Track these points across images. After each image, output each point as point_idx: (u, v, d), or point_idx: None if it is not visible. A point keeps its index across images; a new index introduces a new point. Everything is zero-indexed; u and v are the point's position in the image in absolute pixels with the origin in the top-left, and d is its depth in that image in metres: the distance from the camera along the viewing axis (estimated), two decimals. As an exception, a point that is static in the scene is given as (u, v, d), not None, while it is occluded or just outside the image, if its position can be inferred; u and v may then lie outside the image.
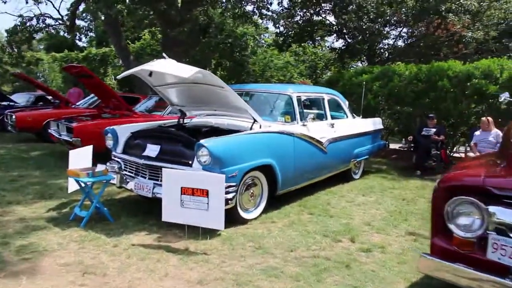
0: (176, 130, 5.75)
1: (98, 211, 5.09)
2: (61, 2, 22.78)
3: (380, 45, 21.10)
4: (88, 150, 5.82)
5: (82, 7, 21.08)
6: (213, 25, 17.70)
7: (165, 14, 15.63)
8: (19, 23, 20.50)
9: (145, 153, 5.20)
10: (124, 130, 5.81)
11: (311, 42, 23.56)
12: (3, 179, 7.10)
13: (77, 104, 12.74)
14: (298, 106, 6.19)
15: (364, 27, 19.20)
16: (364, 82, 9.89)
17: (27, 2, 21.83)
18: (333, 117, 7.15)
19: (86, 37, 26.27)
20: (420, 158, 9.12)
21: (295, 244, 4.54)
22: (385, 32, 20.61)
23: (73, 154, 5.47)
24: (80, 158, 5.62)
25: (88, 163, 5.76)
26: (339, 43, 21.83)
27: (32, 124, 11.27)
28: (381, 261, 4.21)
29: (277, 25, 18.13)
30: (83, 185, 5.10)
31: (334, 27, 20.97)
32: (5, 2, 19.57)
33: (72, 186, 5.53)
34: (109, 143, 5.78)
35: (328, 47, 25.29)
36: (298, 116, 6.14)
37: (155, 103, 10.54)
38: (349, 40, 20.84)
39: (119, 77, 5.65)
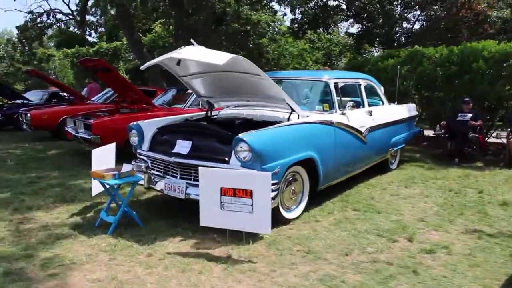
0: (207, 123, 5.28)
1: (126, 215, 4.65)
2: (70, -3, 22.10)
3: (398, 29, 20.42)
4: (111, 149, 5.39)
5: (91, 1, 20.73)
6: (229, 13, 17.12)
7: (179, 2, 15.21)
8: (29, 20, 20.22)
9: (175, 150, 4.74)
10: (150, 126, 5.35)
11: (325, 29, 22.82)
12: (21, 181, 6.72)
13: (92, 99, 12.34)
14: (335, 93, 5.68)
15: (381, 10, 18.57)
16: (398, 67, 9.31)
17: (36, -2, 21.63)
18: (369, 104, 6.63)
19: (96, 32, 25.86)
20: (458, 145, 8.55)
21: (348, 247, 4.07)
22: (405, 15, 19.95)
23: (96, 153, 5.03)
24: (103, 157, 5.20)
25: (112, 162, 5.34)
26: (354, 29, 20.98)
27: (48, 122, 10.90)
28: (450, 264, 3.71)
29: (293, 11, 17.55)
30: (108, 187, 4.67)
31: (351, 12, 20.30)
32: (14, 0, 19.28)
33: (96, 188, 5.11)
34: (134, 140, 5.33)
35: (344, 33, 24.65)
36: (336, 104, 5.63)
37: (172, 96, 10.10)
38: (367, 25, 20.19)
39: (142, 67, 5.17)
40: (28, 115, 10.70)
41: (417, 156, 9.15)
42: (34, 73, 11.49)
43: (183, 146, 4.72)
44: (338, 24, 23.75)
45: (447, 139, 9.09)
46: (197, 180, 4.44)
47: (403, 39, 20.18)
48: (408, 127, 7.90)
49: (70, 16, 21.97)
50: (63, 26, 22.73)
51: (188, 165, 4.56)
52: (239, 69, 4.77)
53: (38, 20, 20.08)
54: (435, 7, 18.54)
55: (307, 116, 5.18)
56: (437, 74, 9.99)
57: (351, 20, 21.26)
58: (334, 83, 5.76)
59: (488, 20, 17.80)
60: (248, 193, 3.77)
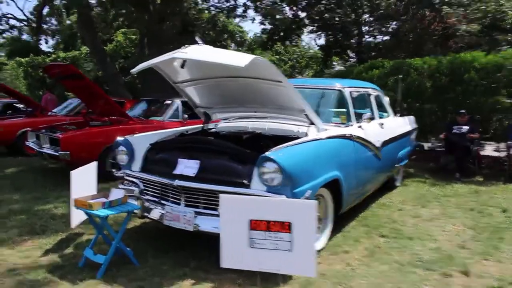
0: (216, 138, 4.47)
1: (116, 251, 3.77)
2: (25, 2, 20.71)
3: (369, 40, 20.30)
4: (92, 169, 4.50)
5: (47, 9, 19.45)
6: (203, 20, 16.29)
7: (147, 7, 14.31)
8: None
9: (177, 171, 3.90)
10: (141, 141, 4.48)
11: (293, 40, 22.23)
12: (-23, 207, 5.65)
13: (53, 111, 11.18)
14: (351, 104, 5.03)
15: (351, 20, 18.38)
16: (400, 77, 8.82)
17: (-13, 3, 20.06)
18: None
19: (53, 39, 24.38)
20: (459, 159, 8.10)
21: (398, 285, 3.37)
22: (374, 27, 19.85)
23: (76, 175, 4.12)
24: (84, 179, 4.30)
25: (93, 185, 4.47)
26: (322, 40, 20.69)
27: (4, 136, 9.69)
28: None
29: (265, 21, 16.96)
30: (96, 219, 3.78)
31: (322, 22, 19.96)
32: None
33: (77, 218, 4.20)
34: (122, 158, 4.43)
35: (308, 45, 24.40)
36: (353, 116, 4.97)
37: (147, 108, 9.18)
38: (336, 36, 19.94)
39: (134, 70, 4.33)
40: (-19, 128, 9.47)
41: (411, 171, 8.64)
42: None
43: (188, 166, 3.89)
44: (306, 36, 23.51)
45: (444, 153, 8.65)
46: (208, 208, 3.69)
47: (371, 51, 20.05)
48: (410, 140, 7.37)
49: (25, 23, 20.54)
50: (16, 33, 21.20)
51: (196, 190, 3.75)
52: (255, 74, 4.02)
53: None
54: (405, 19, 18.50)
55: (326, 130, 4.48)
56: (426, 85, 9.62)
57: (319, 32, 21.01)
58: (349, 92, 5.11)
59: (457, 33, 17.93)
60: (286, 226, 3.00)
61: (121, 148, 4.39)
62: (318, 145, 4.05)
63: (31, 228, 4.76)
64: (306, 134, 4.34)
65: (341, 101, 5.05)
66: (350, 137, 4.62)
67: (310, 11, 19.55)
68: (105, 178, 7.03)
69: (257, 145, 4.23)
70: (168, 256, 3.91)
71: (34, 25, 20.49)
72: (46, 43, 25.93)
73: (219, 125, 5.28)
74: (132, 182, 4.33)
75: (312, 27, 21.33)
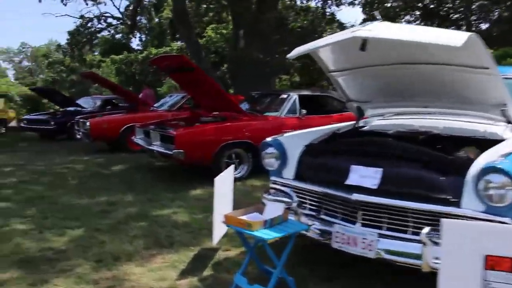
0: (405, 141, 3.53)
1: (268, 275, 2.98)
2: (121, 1, 21.16)
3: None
4: (229, 174, 3.78)
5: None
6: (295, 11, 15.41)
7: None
8: (80, 24, 19.29)
9: (351, 181, 3.01)
10: (293, 142, 3.65)
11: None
12: (91, 209, 5.19)
13: (155, 106, 10.88)
14: None
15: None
16: None
17: (87, 4, 20.70)
18: None
19: (147, 36, 24.81)
20: None
21: None
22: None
23: (219, 182, 3.40)
24: (223, 186, 3.58)
25: (230, 192, 3.73)
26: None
27: (108, 132, 9.49)
28: None
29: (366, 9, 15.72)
30: (250, 238, 3.01)
31: (423, 10, 18.34)
32: (65, 4, 18.39)
33: (219, 234, 3.48)
34: (271, 162, 3.63)
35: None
36: None
37: (260, 102, 8.44)
38: (441, 26, 18.20)
39: (290, 55, 3.49)
40: (87, 124, 9.32)
41: None
42: (91, 75, 10.15)
43: (365, 176, 2.98)
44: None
45: None
46: (395, 230, 2.78)
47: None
48: None
49: (121, 21, 20.96)
50: (112, 31, 21.76)
51: (380, 206, 2.85)
52: (449, 58, 3.05)
53: (89, 24, 19.13)
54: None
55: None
56: None
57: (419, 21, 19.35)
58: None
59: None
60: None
61: (271, 150, 3.59)
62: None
63: (155, 239, 4.14)
64: (498, 135, 3.28)
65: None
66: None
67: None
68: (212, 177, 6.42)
69: (435, 148, 3.24)
70: (334, 284, 3.06)
71: (129, 22, 20.74)
72: (140, 40, 26.34)
73: (372, 122, 4.33)
74: (282, 191, 3.52)
75: (412, 16, 19.74)
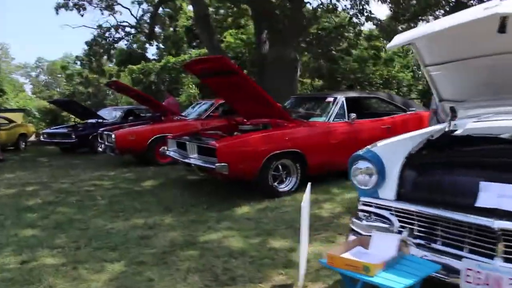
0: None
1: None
2: (138, 9, 20.68)
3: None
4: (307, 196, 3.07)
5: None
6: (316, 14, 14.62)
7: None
8: (96, 34, 18.87)
9: (484, 203, 2.28)
10: (391, 153, 2.91)
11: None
12: (128, 234, 4.51)
13: (183, 115, 10.23)
14: None
15: None
16: None
17: (102, 13, 20.29)
18: None
19: (163, 45, 24.32)
20: None
21: None
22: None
23: (306, 208, 2.69)
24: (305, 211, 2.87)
25: (306, 216, 3.01)
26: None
27: (135, 144, 8.85)
28: None
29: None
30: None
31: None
32: (82, 15, 17.99)
33: (304, 268, 2.76)
34: (365, 180, 2.89)
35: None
36: None
37: (301, 107, 7.73)
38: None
39: (389, 46, 2.79)
40: (113, 136, 8.69)
41: None
42: (116, 84, 9.57)
43: (505, 196, 2.25)
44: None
45: None
46: None
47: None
48: None
49: (139, 29, 20.50)
50: (130, 40, 21.30)
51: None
52: None
53: (107, 34, 18.71)
54: None
55: None
56: None
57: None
58: None
59: None
60: None
61: (365, 164, 2.86)
62: None
63: (213, 274, 3.43)
64: None
65: None
66: None
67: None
68: (268, 194, 5.71)
69: None
70: None
71: (146, 30, 20.26)
72: (157, 49, 25.86)
73: (466, 125, 3.56)
74: (379, 215, 2.78)
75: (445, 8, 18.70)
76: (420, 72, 27.14)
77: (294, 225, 4.63)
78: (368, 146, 2.99)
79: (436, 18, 19.34)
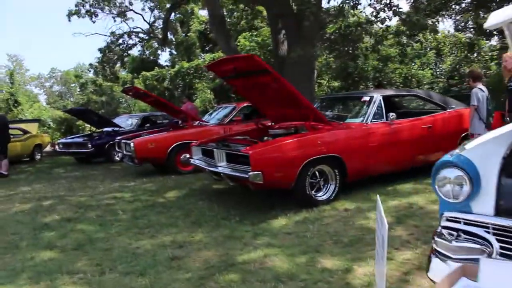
0: None
1: None
2: (152, 13, 20.33)
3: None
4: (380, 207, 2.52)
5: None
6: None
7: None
8: (109, 41, 18.57)
9: None
10: (487, 157, 2.37)
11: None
12: (157, 256, 4.02)
13: (204, 120, 9.76)
14: None
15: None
16: None
17: (115, 20, 19.99)
18: None
19: (176, 51, 23.96)
20: None
21: None
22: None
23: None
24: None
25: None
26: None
27: (156, 153, 8.40)
28: None
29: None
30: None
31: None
32: (94, 22, 17.70)
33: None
34: (455, 192, 2.35)
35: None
36: None
37: (334, 107, 7.23)
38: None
39: (487, 25, 2.28)
40: (132, 145, 8.25)
41: None
42: (134, 90, 9.10)
43: None
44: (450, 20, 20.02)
45: None
46: None
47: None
48: None
49: (151, 35, 20.16)
50: (143, 46, 20.97)
51: None
52: None
53: (120, 40, 18.40)
54: None
55: None
56: None
57: (473, 11, 17.50)
58: None
59: None
60: None
61: (456, 172, 2.32)
62: None
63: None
64: None
65: None
66: None
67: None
68: (305, 204, 5.20)
69: None
70: None
71: (159, 36, 19.92)
72: (170, 54, 25.53)
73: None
74: (471, 234, 2.24)
75: (462, 5, 17.95)
76: (439, 70, 26.54)
77: (341, 239, 4.12)
78: (456, 150, 2.46)
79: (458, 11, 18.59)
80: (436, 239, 2.37)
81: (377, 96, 6.10)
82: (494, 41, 21.34)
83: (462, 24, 21.32)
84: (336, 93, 16.40)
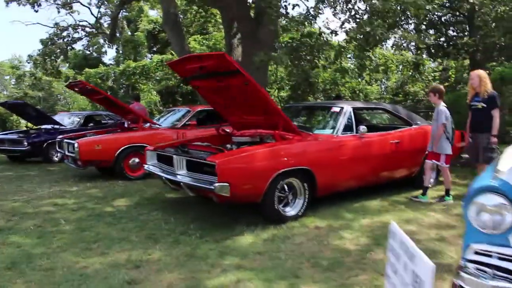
0: None
1: None
2: (99, 9, 19.17)
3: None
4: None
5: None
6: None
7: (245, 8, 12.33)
8: (53, 33, 17.36)
9: None
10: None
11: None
12: (110, 280, 3.45)
13: (160, 123, 9.11)
14: None
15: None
16: None
17: (59, 12, 18.71)
18: None
19: (122, 50, 22.95)
20: None
21: None
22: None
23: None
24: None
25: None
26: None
27: (102, 155, 7.69)
28: None
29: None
30: None
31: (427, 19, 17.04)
32: (36, 11, 16.43)
33: None
34: (495, 221, 2.02)
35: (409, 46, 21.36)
36: None
37: (301, 117, 6.92)
38: (447, 34, 17.16)
39: None
40: (76, 145, 7.49)
41: None
42: (80, 86, 8.25)
43: None
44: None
45: None
46: None
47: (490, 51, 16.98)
48: None
49: (99, 31, 19.08)
50: (88, 41, 19.83)
51: None
52: None
53: (65, 33, 17.22)
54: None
55: None
56: None
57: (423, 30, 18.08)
58: None
59: None
60: None
61: (497, 200, 2.00)
62: None
63: None
64: None
65: None
66: None
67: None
68: (273, 219, 4.81)
69: None
70: None
71: (107, 32, 18.92)
72: (116, 52, 24.42)
73: None
74: (508, 272, 1.93)
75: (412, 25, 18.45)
76: (384, 86, 27.29)
77: (319, 262, 3.76)
78: (496, 175, 2.13)
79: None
80: (463, 275, 2.04)
81: (347, 108, 5.85)
82: (437, 62, 22.25)
83: (404, 44, 21.83)
84: (302, 102, 16.14)
